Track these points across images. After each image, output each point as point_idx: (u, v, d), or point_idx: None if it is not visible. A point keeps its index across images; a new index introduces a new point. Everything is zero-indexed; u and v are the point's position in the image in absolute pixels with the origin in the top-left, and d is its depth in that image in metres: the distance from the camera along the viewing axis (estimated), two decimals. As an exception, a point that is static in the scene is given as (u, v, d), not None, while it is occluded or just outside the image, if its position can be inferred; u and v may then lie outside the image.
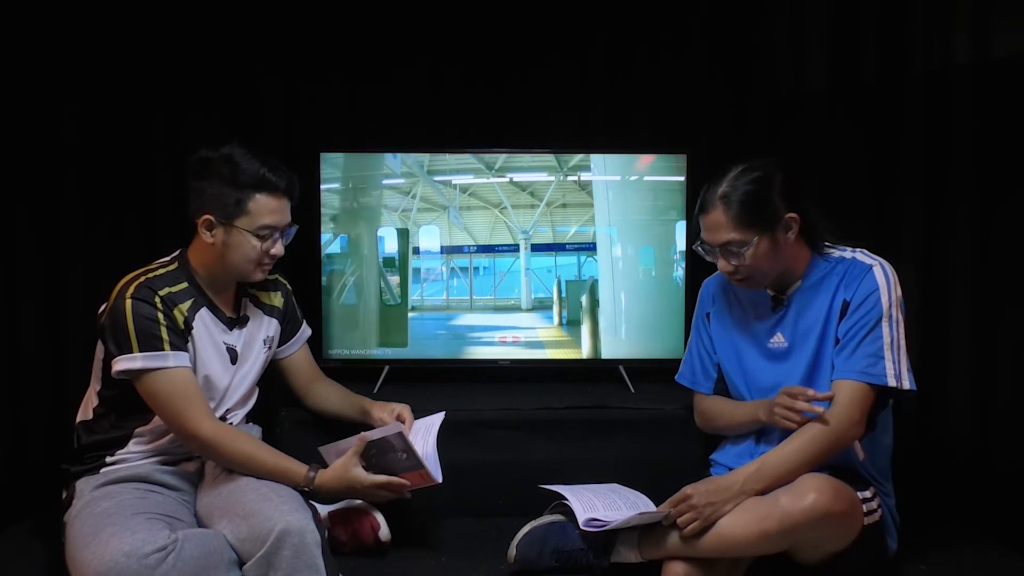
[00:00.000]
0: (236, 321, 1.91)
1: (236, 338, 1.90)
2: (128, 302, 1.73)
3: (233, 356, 1.89)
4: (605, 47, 2.65)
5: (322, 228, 2.45)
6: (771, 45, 2.57)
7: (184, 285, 1.81)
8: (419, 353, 2.51)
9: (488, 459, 2.20)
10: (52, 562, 1.81)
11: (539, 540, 1.80)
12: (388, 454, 1.84)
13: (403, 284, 2.52)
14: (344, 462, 1.81)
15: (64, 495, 1.79)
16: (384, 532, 1.91)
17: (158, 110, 2.47)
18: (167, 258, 1.87)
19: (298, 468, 1.78)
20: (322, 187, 2.45)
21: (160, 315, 1.74)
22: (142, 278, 1.77)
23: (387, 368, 2.47)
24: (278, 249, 1.84)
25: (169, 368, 1.73)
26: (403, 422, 1.93)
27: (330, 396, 2.08)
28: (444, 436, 2.17)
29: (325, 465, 1.85)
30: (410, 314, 2.52)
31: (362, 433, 1.87)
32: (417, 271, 2.53)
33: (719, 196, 1.74)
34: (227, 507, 1.69)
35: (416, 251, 2.52)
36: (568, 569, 1.78)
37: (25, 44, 2.28)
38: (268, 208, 1.79)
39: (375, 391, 2.42)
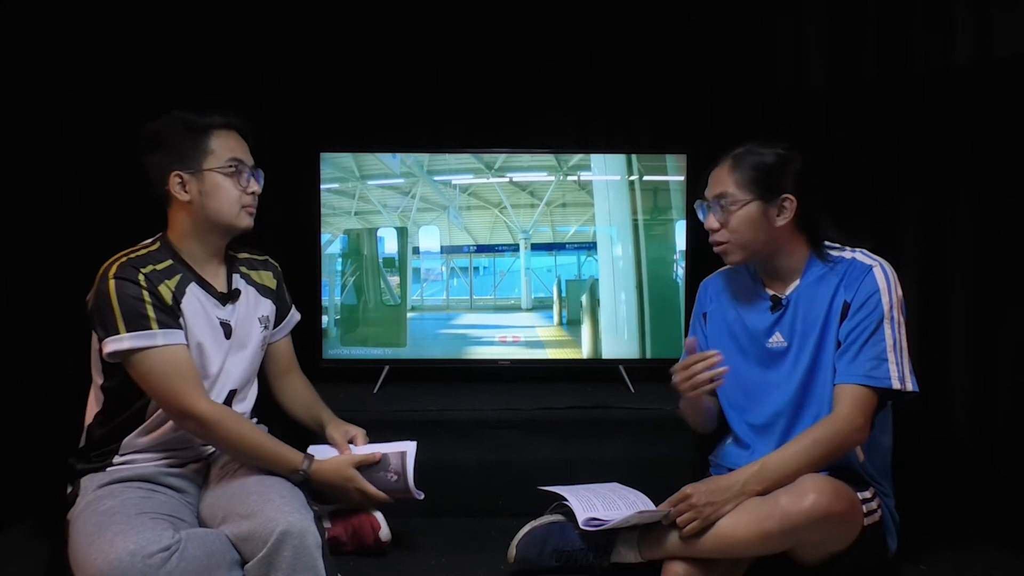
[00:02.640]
0: (228, 296, 1.86)
1: (229, 313, 1.86)
2: (111, 282, 1.70)
3: (227, 331, 1.85)
4: (605, 47, 2.65)
5: (322, 228, 2.46)
6: (771, 45, 2.58)
7: (169, 262, 1.78)
8: (419, 353, 2.51)
9: (488, 459, 2.20)
10: (54, 561, 1.81)
11: (539, 540, 1.80)
12: (379, 472, 1.85)
13: (402, 284, 2.52)
14: (345, 460, 1.82)
15: (69, 490, 1.78)
16: (384, 532, 1.91)
17: (158, 109, 2.47)
18: (149, 240, 1.84)
19: (294, 456, 1.77)
20: (322, 187, 2.45)
21: (145, 293, 1.70)
22: (124, 258, 1.75)
23: (387, 368, 2.48)
24: (255, 186, 1.83)
25: (159, 347, 1.69)
26: (355, 444, 1.91)
27: (296, 398, 2.04)
28: (445, 436, 2.18)
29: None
30: (410, 314, 2.52)
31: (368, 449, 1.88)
32: (417, 271, 2.53)
33: (732, 153, 1.79)
34: (230, 508, 1.69)
35: (416, 251, 2.52)
36: (568, 569, 1.78)
37: (26, 39, 2.28)
38: (229, 144, 1.80)
39: (375, 391, 2.43)
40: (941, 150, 2.30)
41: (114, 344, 1.69)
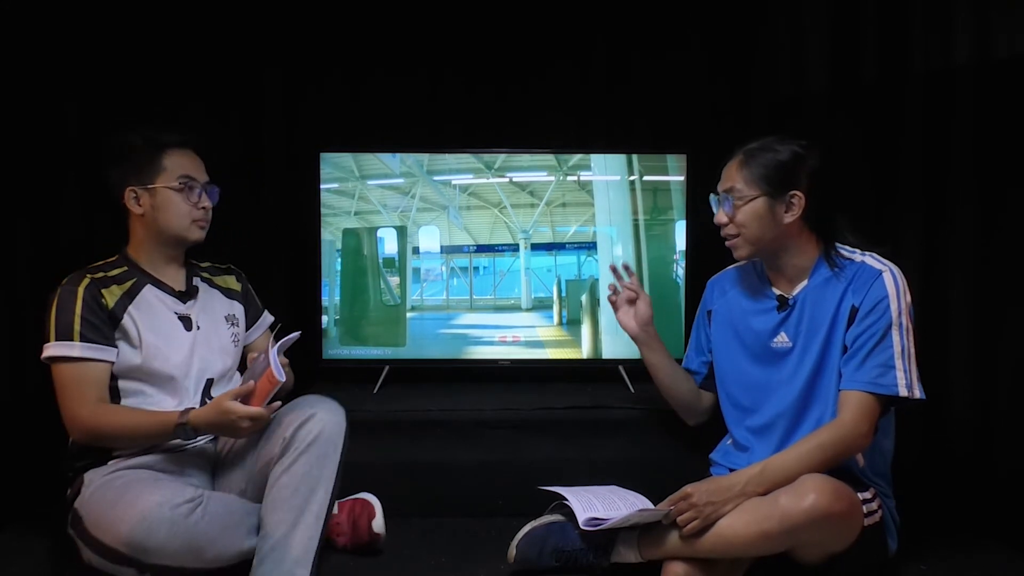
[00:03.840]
0: (186, 294, 1.93)
1: (189, 308, 1.92)
2: (59, 291, 1.79)
3: (187, 323, 1.90)
4: (605, 47, 2.65)
5: (322, 228, 2.46)
6: (771, 45, 2.57)
7: (124, 268, 1.87)
8: (419, 353, 2.51)
9: (488, 459, 2.20)
10: (53, 561, 1.82)
11: (539, 540, 1.80)
12: (256, 361, 1.80)
13: (402, 284, 2.52)
14: (219, 397, 1.76)
15: (69, 491, 1.78)
16: (378, 523, 1.89)
17: (159, 108, 2.47)
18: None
19: (170, 415, 1.75)
20: (322, 187, 2.45)
21: (79, 304, 1.76)
22: (81, 269, 1.84)
23: (387, 368, 2.47)
24: (206, 201, 1.91)
25: (74, 358, 1.75)
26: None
27: None
28: (445, 436, 2.18)
29: None
30: (410, 314, 2.52)
31: (250, 355, 1.93)
32: (417, 271, 2.53)
33: (745, 148, 1.80)
34: (262, 437, 1.76)
35: (416, 251, 2.52)
36: (568, 569, 1.78)
37: (28, 36, 2.28)
38: (182, 162, 1.88)
39: (375, 391, 2.42)
40: (941, 150, 2.30)
41: (44, 350, 1.77)
